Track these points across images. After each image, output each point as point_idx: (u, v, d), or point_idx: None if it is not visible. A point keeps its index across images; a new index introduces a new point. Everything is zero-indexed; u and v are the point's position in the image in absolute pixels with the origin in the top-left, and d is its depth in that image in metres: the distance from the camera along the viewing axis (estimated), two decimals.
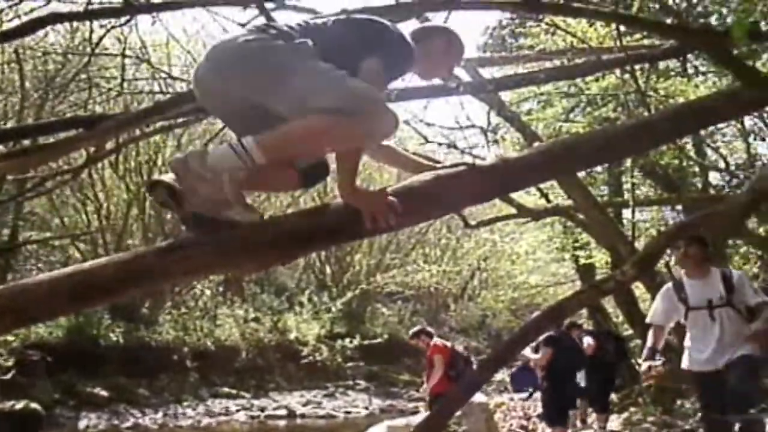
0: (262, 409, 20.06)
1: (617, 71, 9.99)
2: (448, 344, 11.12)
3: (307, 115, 3.18)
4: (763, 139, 13.34)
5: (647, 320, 6.99)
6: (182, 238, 3.44)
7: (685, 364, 6.67)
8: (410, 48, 3.57)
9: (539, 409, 12.46)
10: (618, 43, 7.27)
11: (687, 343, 6.63)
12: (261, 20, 4.90)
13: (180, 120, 7.71)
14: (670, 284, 6.83)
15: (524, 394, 13.83)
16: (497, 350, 4.51)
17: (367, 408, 21.30)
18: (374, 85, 3.29)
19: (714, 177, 15.61)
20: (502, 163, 3.80)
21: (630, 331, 14.74)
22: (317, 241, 3.70)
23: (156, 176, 3.67)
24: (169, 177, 3.31)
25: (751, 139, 14.00)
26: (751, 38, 4.82)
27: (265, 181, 3.62)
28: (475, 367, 11.02)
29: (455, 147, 13.32)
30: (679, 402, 11.83)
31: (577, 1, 5.67)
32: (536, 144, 4.13)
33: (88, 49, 10.10)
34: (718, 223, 5.69)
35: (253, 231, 3.48)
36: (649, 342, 6.77)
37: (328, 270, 26.24)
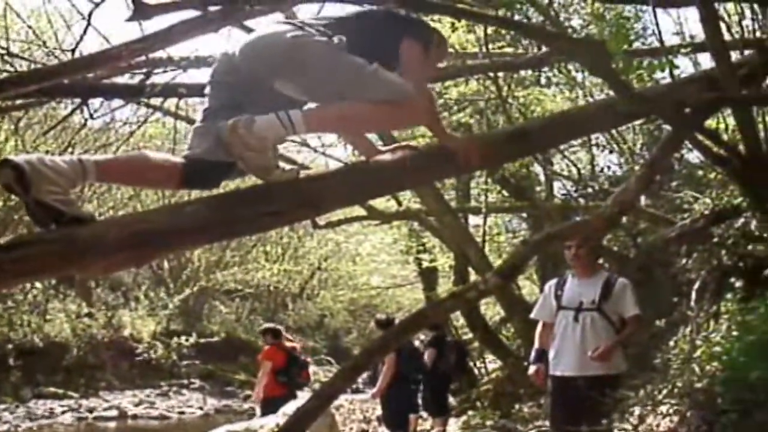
0: (91, 410, 19.09)
1: (479, 77, 10.03)
2: (293, 345, 10.94)
3: (348, 102, 3.47)
4: (611, 151, 13.71)
5: (531, 316, 6.92)
6: (26, 234, 3.13)
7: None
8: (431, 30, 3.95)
9: (378, 412, 12.41)
10: (484, 50, 7.27)
11: (552, 345, 6.50)
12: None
13: (19, 102, 7.17)
14: (554, 280, 6.78)
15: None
16: (355, 358, 4.34)
17: (201, 408, 20.82)
18: (415, 64, 3.64)
19: (558, 186, 16.01)
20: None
21: (470, 335, 14.92)
22: (176, 242, 3.44)
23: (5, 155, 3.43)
24: (20, 158, 3.11)
25: (595, 150, 14.38)
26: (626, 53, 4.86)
27: (142, 173, 3.52)
28: (309, 370, 10.99)
29: (308, 146, 13.16)
30: (517, 406, 11.97)
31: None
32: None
33: None
34: (584, 233, 5.72)
35: (107, 229, 3.19)
36: (536, 343, 6.68)
37: (166, 265, 25.51)
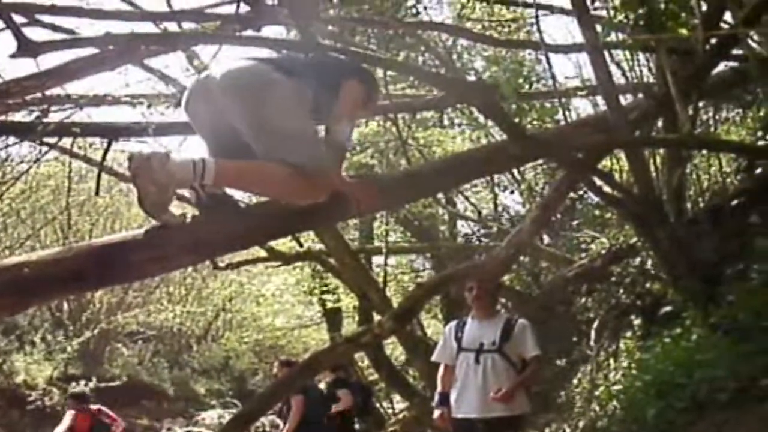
0: None
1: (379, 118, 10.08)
2: (98, 407, 11.04)
3: (268, 161, 3.54)
4: (512, 192, 13.91)
5: (432, 359, 6.85)
6: None
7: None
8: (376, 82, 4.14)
9: None
10: (384, 91, 7.27)
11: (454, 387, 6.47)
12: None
13: None
14: (454, 322, 6.74)
15: None
16: (249, 405, 4.26)
17: None
18: (353, 104, 3.80)
19: (461, 225, 16.13)
20: None
21: (376, 375, 14.81)
22: (54, 290, 3.31)
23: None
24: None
25: (498, 191, 14.53)
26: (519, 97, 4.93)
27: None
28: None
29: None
30: None
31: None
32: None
33: None
34: (479, 275, 5.73)
35: None
36: (439, 386, 6.61)
37: (66, 307, 24.70)
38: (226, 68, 3.68)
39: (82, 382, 21.55)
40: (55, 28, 6.65)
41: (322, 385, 10.93)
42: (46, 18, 6.39)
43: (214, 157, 3.58)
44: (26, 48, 4.71)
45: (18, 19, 5.35)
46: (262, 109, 3.54)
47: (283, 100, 3.57)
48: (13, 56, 4.76)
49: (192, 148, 10.18)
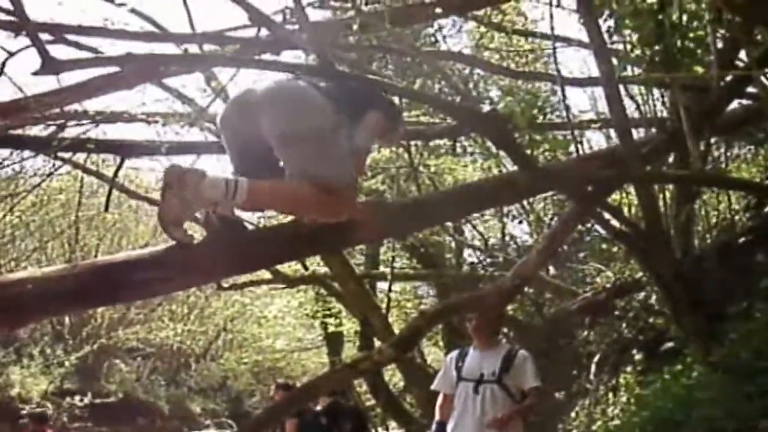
0: None
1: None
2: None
3: (298, 181, 3.52)
4: (520, 222, 13.91)
5: (432, 387, 6.80)
6: None
7: None
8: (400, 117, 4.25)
9: None
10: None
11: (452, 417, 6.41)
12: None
13: None
14: (455, 351, 6.71)
15: None
16: (244, 428, 4.24)
17: None
18: (371, 131, 3.85)
19: (468, 254, 16.11)
20: None
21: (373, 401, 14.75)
22: (53, 308, 3.31)
23: None
24: None
25: (506, 220, 14.53)
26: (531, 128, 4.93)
27: None
28: None
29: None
30: None
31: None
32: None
33: None
34: (482, 305, 5.71)
35: None
36: (437, 415, 6.57)
37: (67, 321, 24.56)
38: (268, 84, 3.72)
39: (77, 398, 21.48)
40: (79, 46, 6.71)
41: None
42: (69, 37, 6.44)
43: (238, 174, 3.59)
44: (50, 66, 4.72)
45: (43, 36, 5.37)
46: (299, 121, 3.55)
47: (321, 116, 3.59)
48: (36, 74, 4.77)
49: (205, 167, 10.20)
